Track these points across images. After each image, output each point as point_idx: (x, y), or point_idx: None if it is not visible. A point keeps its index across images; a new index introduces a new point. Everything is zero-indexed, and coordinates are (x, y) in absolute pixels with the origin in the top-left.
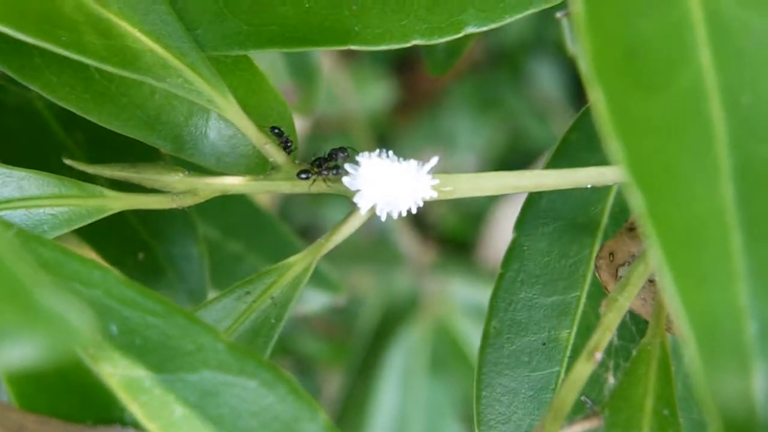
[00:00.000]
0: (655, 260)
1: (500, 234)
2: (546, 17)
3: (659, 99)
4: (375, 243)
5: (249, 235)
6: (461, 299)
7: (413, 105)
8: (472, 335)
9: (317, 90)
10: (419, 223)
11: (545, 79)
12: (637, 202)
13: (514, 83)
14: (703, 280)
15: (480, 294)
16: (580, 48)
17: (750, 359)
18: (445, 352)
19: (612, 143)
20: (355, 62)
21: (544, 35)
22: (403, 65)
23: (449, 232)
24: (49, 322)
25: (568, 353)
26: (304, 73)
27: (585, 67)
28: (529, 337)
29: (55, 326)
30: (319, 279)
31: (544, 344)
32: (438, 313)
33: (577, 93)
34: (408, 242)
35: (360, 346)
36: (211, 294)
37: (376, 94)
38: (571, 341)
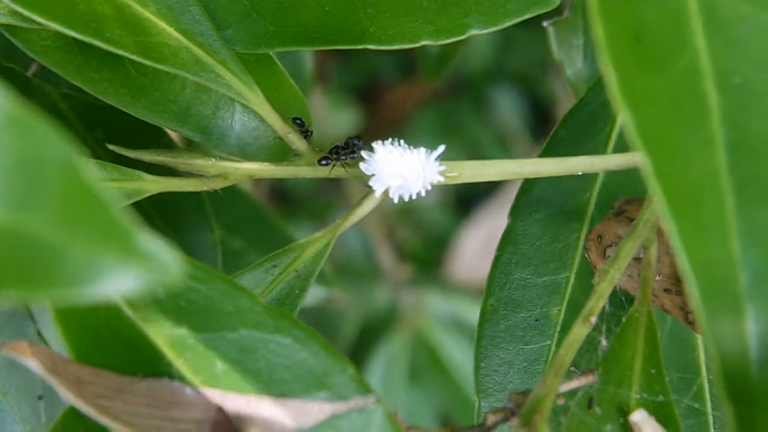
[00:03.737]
0: (662, 215)
1: (466, 254)
2: (507, 48)
3: (661, 77)
4: (354, 260)
5: (250, 233)
6: (437, 311)
7: (378, 132)
8: (448, 344)
9: (310, 97)
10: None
11: (506, 107)
12: (644, 165)
13: (475, 111)
14: (703, 236)
15: (454, 306)
16: (592, 32)
17: (743, 305)
18: (423, 361)
19: (623, 113)
20: (325, 88)
21: (505, 65)
22: (368, 94)
23: (412, 254)
24: (147, 260)
25: (558, 328)
26: (299, 81)
27: (597, 48)
28: (523, 314)
29: (152, 263)
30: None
31: (536, 320)
32: (415, 325)
33: (536, 122)
34: (385, 259)
35: None
36: None
37: (343, 121)
38: (562, 317)
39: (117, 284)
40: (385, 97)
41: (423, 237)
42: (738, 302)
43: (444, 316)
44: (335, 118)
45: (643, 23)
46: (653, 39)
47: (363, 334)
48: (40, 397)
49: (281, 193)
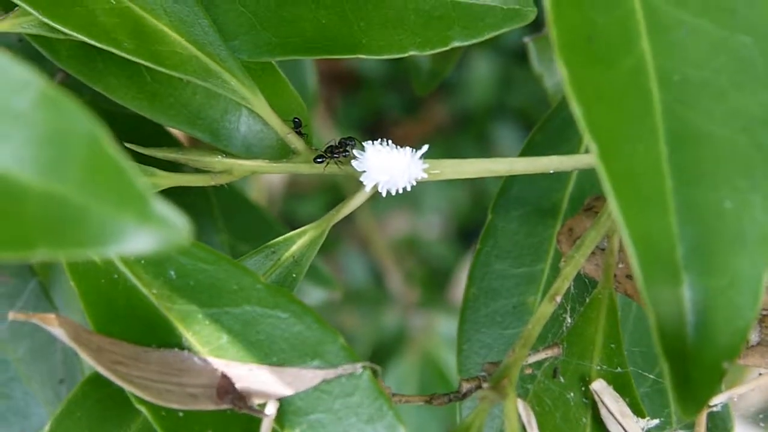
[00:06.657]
0: (607, 195)
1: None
2: (508, 85)
3: (608, 75)
4: (365, 286)
5: (255, 239)
6: (444, 332)
7: None
8: (455, 364)
9: (312, 115)
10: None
11: (507, 143)
12: (593, 150)
13: (478, 146)
14: (644, 212)
15: None
16: (549, 35)
17: (680, 273)
18: (432, 381)
19: (573, 106)
20: (332, 123)
21: (506, 102)
22: (373, 130)
23: (419, 280)
24: (161, 223)
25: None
26: (303, 98)
27: (554, 50)
28: (502, 302)
29: (165, 226)
30: (317, 276)
31: (514, 307)
32: (424, 346)
33: None
34: (394, 284)
35: None
36: None
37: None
38: (537, 305)
39: (135, 244)
40: (390, 132)
41: (427, 269)
42: (675, 271)
43: (451, 337)
44: None
45: (593, 27)
46: (603, 40)
47: (374, 356)
48: (61, 381)
49: (292, 223)
